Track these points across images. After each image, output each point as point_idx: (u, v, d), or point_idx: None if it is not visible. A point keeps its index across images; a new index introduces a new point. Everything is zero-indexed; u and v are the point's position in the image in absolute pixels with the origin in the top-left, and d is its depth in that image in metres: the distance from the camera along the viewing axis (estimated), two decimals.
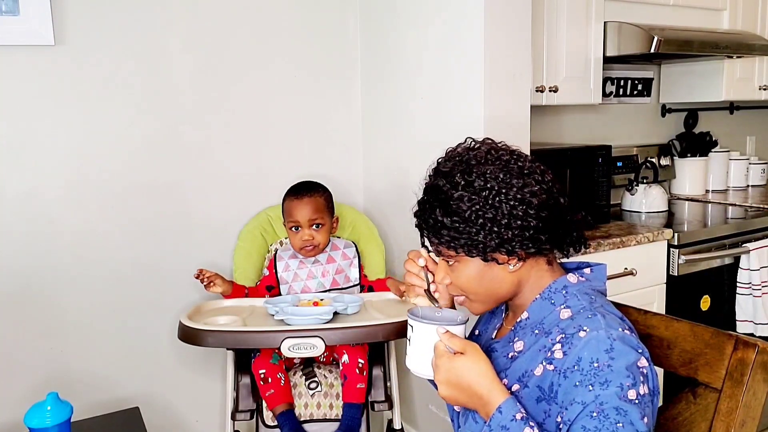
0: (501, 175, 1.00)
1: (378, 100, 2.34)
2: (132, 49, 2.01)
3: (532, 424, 0.92)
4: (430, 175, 1.07)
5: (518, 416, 0.92)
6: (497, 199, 0.98)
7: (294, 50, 2.27)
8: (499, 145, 1.07)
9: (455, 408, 1.13)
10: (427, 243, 1.08)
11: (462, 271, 1.04)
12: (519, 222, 0.98)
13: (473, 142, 1.08)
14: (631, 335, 0.95)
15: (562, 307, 1.02)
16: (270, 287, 2.00)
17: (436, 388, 1.02)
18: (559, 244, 1.05)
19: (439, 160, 1.08)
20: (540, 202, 1.00)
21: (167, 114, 2.09)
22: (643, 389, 0.91)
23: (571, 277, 1.05)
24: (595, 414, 0.88)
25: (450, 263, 1.06)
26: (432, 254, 1.12)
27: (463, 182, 1.00)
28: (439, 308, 1.11)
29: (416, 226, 1.09)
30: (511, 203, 0.98)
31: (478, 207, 0.99)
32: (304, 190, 1.96)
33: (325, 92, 2.35)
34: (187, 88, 2.11)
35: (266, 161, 2.27)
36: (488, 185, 0.99)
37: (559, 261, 1.10)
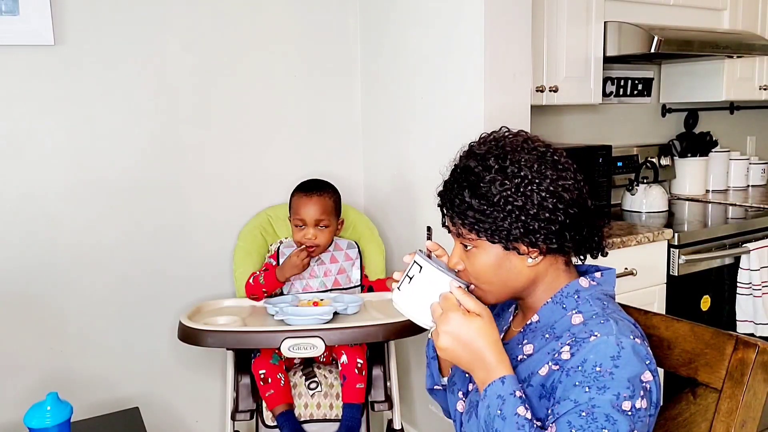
0: (536, 166, 0.98)
1: (378, 100, 2.34)
2: (132, 48, 2.01)
3: (527, 407, 0.92)
4: (461, 156, 1.05)
5: (518, 393, 0.92)
6: (529, 188, 0.97)
7: (294, 49, 2.27)
8: (536, 137, 1.05)
9: (458, 408, 1.12)
10: (448, 223, 1.06)
11: (479, 258, 1.02)
12: (547, 215, 0.97)
13: (508, 131, 1.07)
14: (641, 344, 0.94)
15: (574, 312, 1.00)
16: None
17: (428, 334, 1.00)
18: (581, 245, 1.04)
19: (473, 143, 1.06)
20: (571, 199, 0.99)
21: (167, 114, 2.09)
22: (641, 403, 0.90)
23: (583, 281, 1.04)
24: (584, 414, 0.88)
25: (468, 248, 1.03)
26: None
27: (496, 166, 0.99)
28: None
29: (439, 205, 1.06)
30: (542, 194, 0.97)
31: (508, 193, 0.97)
32: (314, 188, 1.96)
33: (325, 91, 2.35)
34: (187, 88, 2.11)
35: (266, 161, 2.27)
36: (521, 173, 0.98)
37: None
